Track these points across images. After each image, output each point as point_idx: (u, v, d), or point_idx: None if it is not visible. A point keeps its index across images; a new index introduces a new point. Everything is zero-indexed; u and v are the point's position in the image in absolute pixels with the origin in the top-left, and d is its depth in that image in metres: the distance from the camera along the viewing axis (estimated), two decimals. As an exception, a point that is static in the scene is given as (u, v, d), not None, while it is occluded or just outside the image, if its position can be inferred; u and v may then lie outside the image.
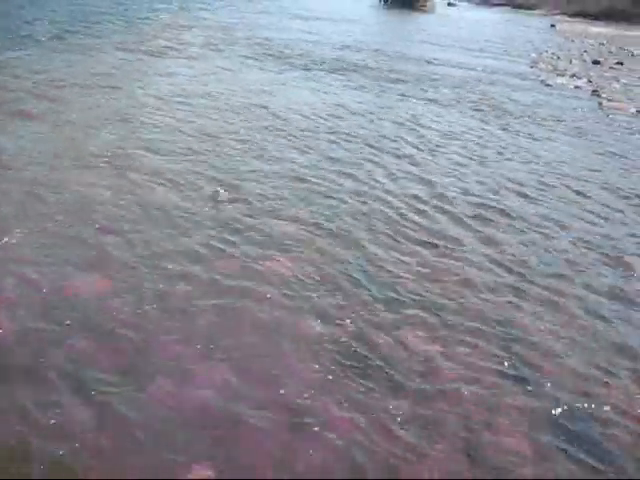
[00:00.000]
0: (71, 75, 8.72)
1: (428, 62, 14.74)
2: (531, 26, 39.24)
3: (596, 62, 18.80)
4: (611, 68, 17.78)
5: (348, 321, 3.41)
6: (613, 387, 3.15)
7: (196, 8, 23.44)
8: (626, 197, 6.15)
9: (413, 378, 3.03)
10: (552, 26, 41.59)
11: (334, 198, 5.21)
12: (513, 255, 4.52)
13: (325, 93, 9.70)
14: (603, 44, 28.04)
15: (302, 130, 7.27)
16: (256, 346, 3.15)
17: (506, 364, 3.22)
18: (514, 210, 5.40)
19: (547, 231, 5.04)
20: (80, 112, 6.97)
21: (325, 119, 7.92)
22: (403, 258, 4.24)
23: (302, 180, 5.54)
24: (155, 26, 15.57)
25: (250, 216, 4.65)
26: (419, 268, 4.13)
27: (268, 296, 3.56)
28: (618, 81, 14.74)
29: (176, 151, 5.96)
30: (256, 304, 3.49)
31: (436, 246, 4.50)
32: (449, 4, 53.57)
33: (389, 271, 4.02)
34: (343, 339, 3.26)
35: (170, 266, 3.77)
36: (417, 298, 3.73)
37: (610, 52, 23.87)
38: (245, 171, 5.60)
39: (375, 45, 17.02)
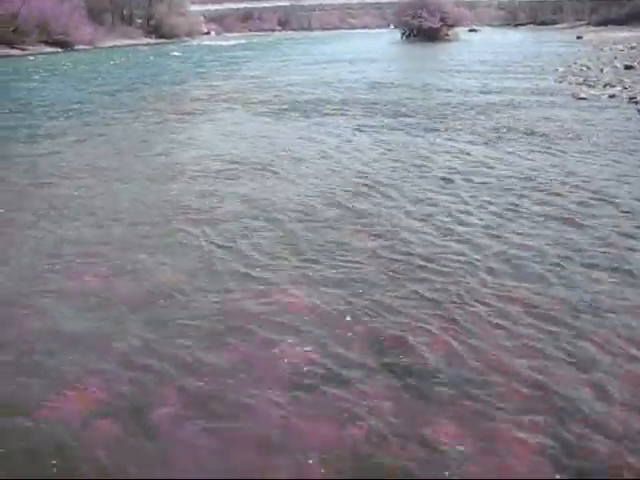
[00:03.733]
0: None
1: (454, 91, 14.63)
2: (557, 40, 38.78)
3: (628, 67, 18.26)
4: (645, 71, 17.23)
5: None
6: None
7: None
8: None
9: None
10: (578, 38, 41.02)
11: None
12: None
13: (360, 133, 9.68)
14: (633, 48, 27.36)
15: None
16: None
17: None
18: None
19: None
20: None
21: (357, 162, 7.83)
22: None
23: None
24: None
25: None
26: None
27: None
28: (654, 84, 14.21)
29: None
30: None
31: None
32: (470, 30, 53.76)
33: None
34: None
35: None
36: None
37: (642, 55, 23.21)
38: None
39: (402, 80, 17.13)
